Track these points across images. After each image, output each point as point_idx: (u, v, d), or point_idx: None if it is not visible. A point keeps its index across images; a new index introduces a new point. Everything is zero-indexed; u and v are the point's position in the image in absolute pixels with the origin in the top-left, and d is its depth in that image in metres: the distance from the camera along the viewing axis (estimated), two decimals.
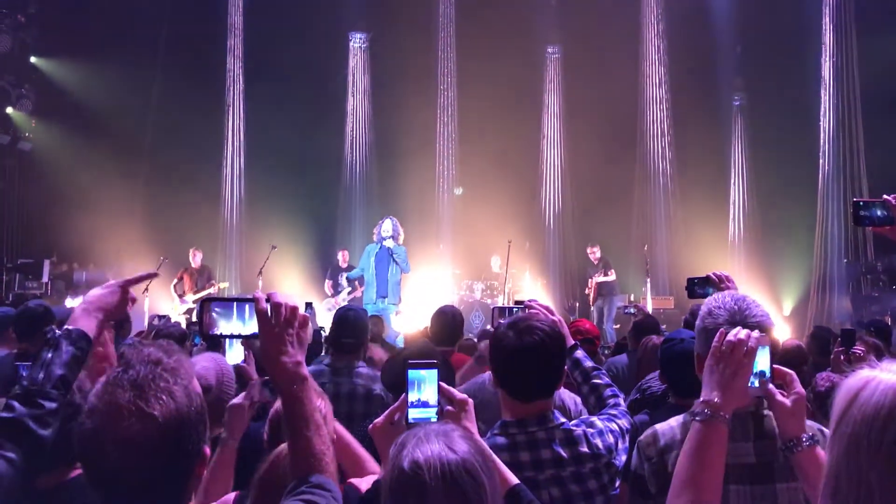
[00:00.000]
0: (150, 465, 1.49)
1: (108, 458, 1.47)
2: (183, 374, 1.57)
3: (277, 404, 2.59)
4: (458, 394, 2.03)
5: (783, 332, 12.88)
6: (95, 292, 2.18)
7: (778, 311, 13.67)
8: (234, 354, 3.65)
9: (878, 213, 2.40)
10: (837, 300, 12.89)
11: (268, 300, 1.80)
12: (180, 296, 12.18)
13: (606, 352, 8.31)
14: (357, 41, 16.35)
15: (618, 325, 12.57)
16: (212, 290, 12.21)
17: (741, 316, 2.02)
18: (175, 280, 12.29)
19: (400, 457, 1.51)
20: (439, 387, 1.97)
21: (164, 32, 15.26)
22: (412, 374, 1.96)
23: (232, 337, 1.92)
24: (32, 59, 14.43)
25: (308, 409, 1.79)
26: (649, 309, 11.86)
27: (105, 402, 1.50)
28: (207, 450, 1.60)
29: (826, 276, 13.11)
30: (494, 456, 2.03)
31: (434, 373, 1.96)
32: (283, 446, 2.46)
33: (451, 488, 1.48)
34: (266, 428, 2.67)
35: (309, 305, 8.09)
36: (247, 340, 1.87)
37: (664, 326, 11.73)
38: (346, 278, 12.32)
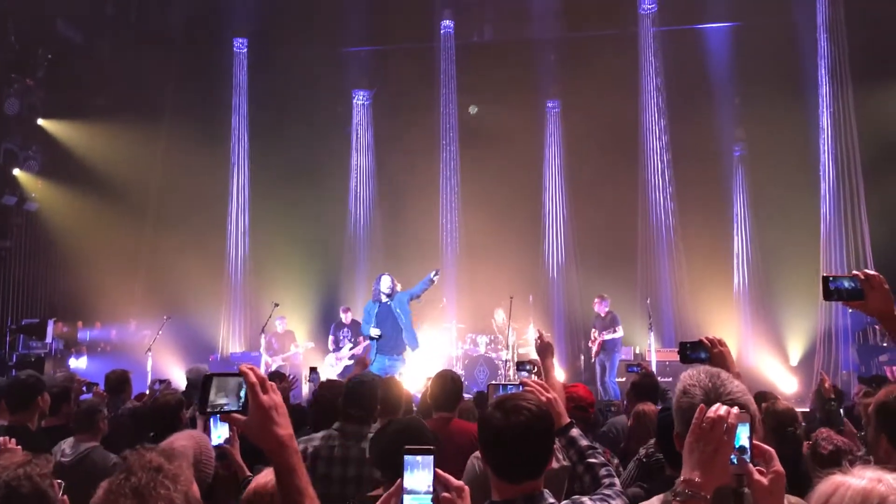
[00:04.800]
0: None
1: None
2: (183, 481, 1.58)
3: (251, 485, 2.57)
4: (454, 480, 1.99)
5: (790, 384, 12.85)
6: None
7: (784, 362, 13.57)
8: (219, 433, 3.62)
9: (846, 285, 2.38)
10: (844, 351, 12.79)
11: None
12: (271, 356, 13.22)
13: (613, 409, 8.23)
14: (360, 98, 16.58)
15: (622, 379, 12.47)
16: (299, 352, 13.46)
17: (716, 393, 2.02)
18: (264, 345, 13.09)
19: None
20: (435, 473, 1.95)
21: (170, 92, 15.53)
22: (408, 458, 1.92)
23: (220, 412, 1.86)
24: (39, 121, 14.64)
25: (304, 481, 1.80)
26: (653, 361, 11.80)
27: None
28: None
29: (832, 327, 13.00)
30: None
31: (430, 458, 1.93)
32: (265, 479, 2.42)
33: None
34: None
35: (313, 371, 8.03)
36: (233, 419, 1.83)
37: (669, 379, 11.71)
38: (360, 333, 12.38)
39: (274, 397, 1.79)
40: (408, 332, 10.42)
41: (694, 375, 2.13)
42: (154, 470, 1.55)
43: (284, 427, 1.78)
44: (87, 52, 15.33)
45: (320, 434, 4.16)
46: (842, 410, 5.48)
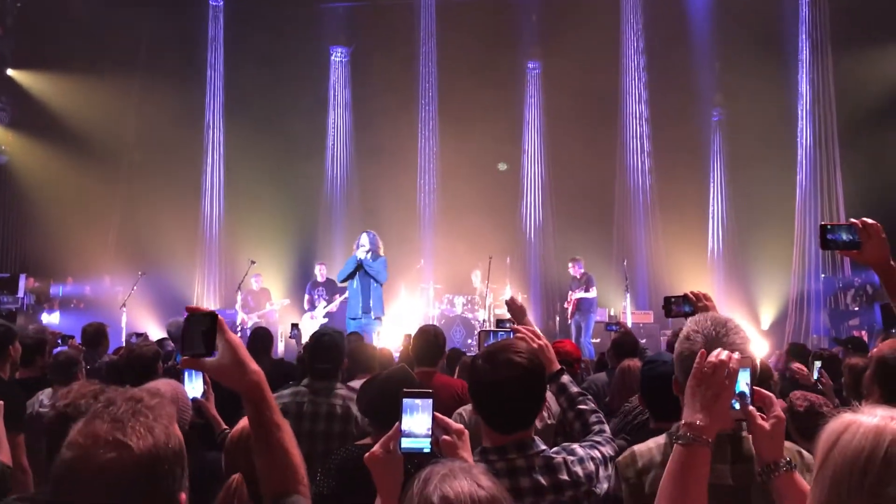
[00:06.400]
0: (123, 498, 1.43)
1: (82, 487, 1.43)
2: (164, 415, 1.54)
3: (235, 428, 2.56)
4: (454, 424, 2.01)
5: (761, 348, 12.99)
6: None
7: (756, 326, 13.72)
8: (194, 386, 3.59)
9: (844, 236, 2.38)
10: (815, 315, 12.97)
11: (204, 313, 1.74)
12: (247, 313, 13.19)
13: (583, 365, 8.29)
14: (338, 55, 16.34)
15: (597, 340, 12.57)
16: (275, 309, 13.60)
17: (719, 343, 2.01)
18: (240, 302, 12.97)
19: (427, 492, 1.47)
20: (434, 416, 1.95)
21: (144, 45, 15.19)
22: (407, 402, 1.93)
23: (192, 355, 1.78)
24: (9, 72, 14.29)
25: (279, 415, 1.80)
26: (629, 322, 11.88)
27: (83, 434, 1.47)
28: (184, 496, 1.55)
29: (804, 292, 13.16)
30: None
31: (429, 402, 1.94)
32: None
33: None
34: (223, 456, 2.62)
35: (294, 327, 8.00)
36: (202, 364, 1.77)
37: (644, 341, 11.78)
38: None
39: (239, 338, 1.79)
40: (377, 294, 10.38)
41: (700, 321, 2.12)
42: (135, 401, 1.52)
43: (254, 363, 1.78)
44: (58, 0, 14.92)
45: (288, 391, 4.17)
46: (819, 363, 5.48)
